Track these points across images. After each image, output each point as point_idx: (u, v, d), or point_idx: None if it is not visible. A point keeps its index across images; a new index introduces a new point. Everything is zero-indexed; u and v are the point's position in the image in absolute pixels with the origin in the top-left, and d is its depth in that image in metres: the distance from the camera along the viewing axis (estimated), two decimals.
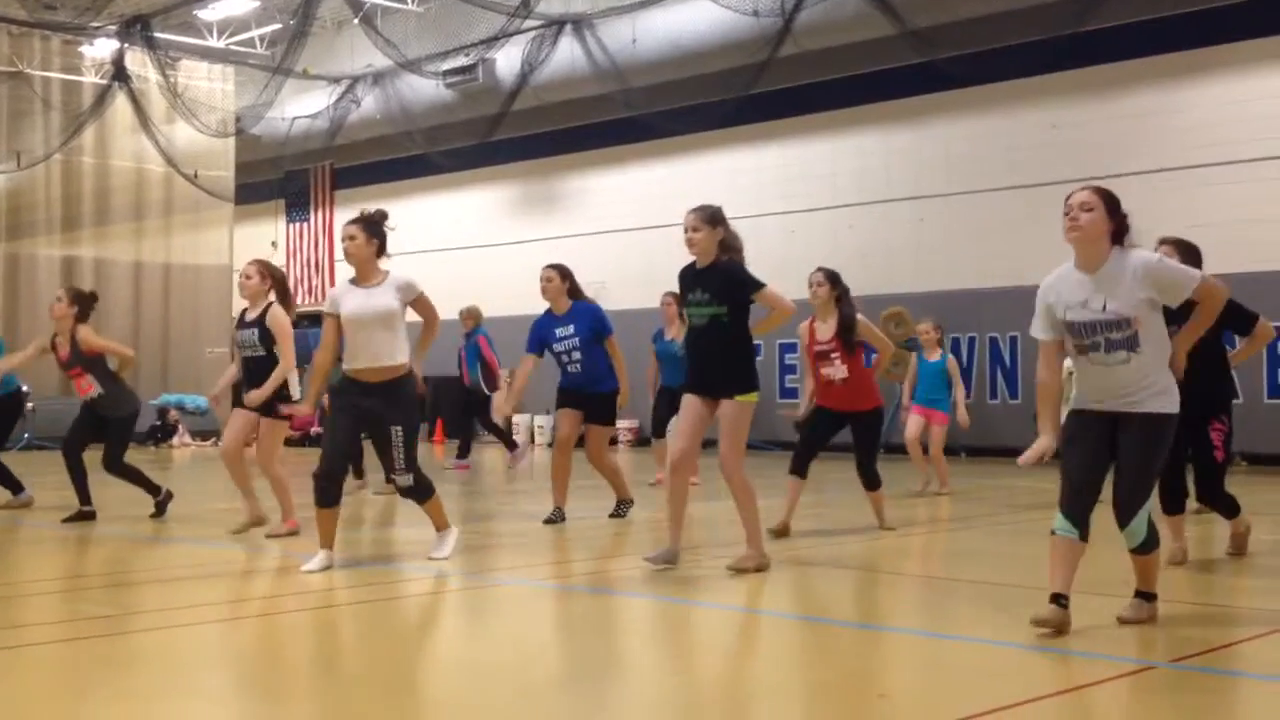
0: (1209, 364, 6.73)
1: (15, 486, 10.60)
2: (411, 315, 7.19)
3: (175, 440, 21.39)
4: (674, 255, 7.44)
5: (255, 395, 8.29)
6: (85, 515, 9.57)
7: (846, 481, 8.90)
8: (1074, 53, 15.75)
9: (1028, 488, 12.09)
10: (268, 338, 8.45)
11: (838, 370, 8.58)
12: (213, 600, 6.43)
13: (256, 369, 8.47)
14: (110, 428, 9.71)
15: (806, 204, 19.33)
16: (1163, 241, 6.79)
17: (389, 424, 7.10)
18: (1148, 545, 5.33)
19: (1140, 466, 5.23)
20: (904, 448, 11.97)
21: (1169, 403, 5.23)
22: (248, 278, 8.63)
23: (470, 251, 23.57)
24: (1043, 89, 16.94)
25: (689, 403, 7.01)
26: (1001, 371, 17.20)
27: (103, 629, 5.72)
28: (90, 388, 9.56)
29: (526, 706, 4.31)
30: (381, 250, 7.25)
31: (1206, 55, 15.96)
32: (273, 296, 8.62)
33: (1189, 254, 6.67)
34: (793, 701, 4.44)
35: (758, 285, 6.86)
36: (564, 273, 9.42)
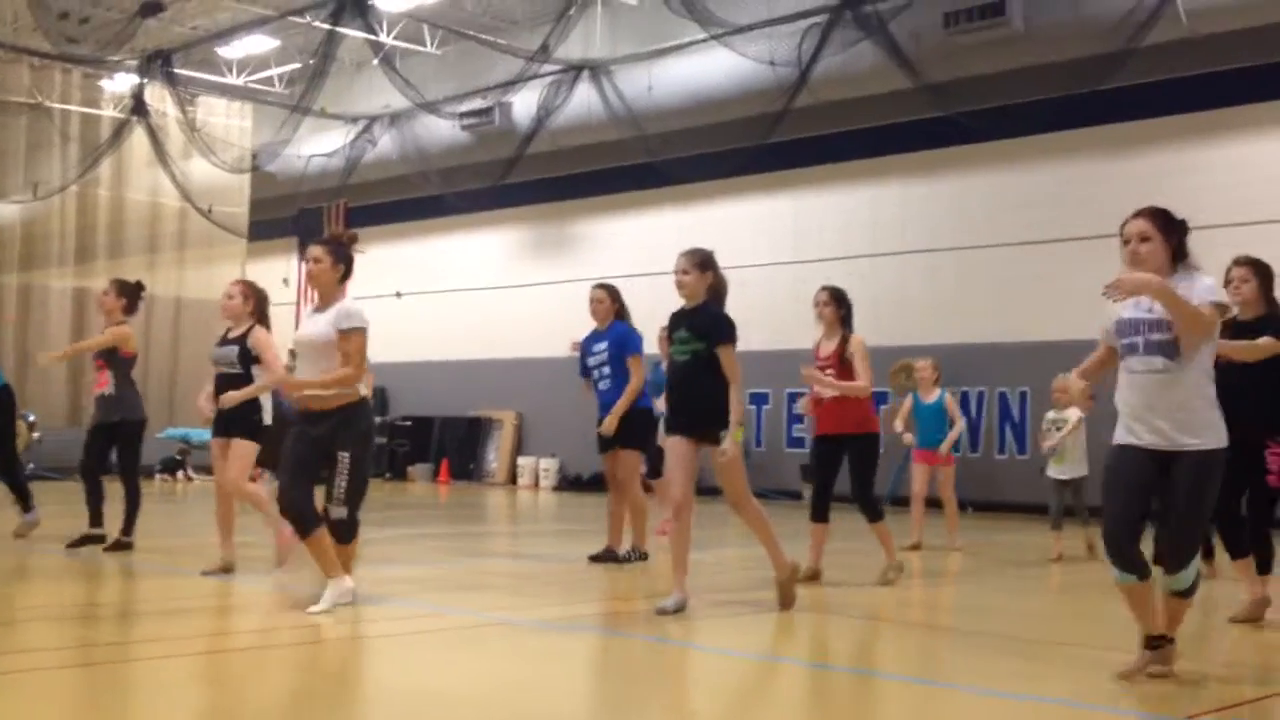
0: (1270, 382, 6.59)
1: (27, 504, 10.30)
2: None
3: (179, 474, 21.32)
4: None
5: (233, 396, 8.08)
6: (94, 539, 9.48)
7: (859, 532, 8.82)
8: (1090, 111, 15.79)
9: (1035, 544, 11.98)
10: (247, 357, 8.34)
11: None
12: (212, 632, 6.36)
13: (232, 387, 8.27)
14: (119, 433, 9.56)
15: (819, 253, 19.28)
16: (1237, 262, 6.85)
17: (337, 448, 6.77)
18: (1193, 590, 5.21)
19: (1189, 511, 5.06)
20: (909, 501, 11.59)
21: (1217, 437, 5.06)
22: (230, 298, 8.45)
23: (482, 293, 23.59)
24: (1059, 145, 16.94)
25: (678, 446, 7.09)
26: (1010, 427, 17.11)
27: (97, 657, 5.65)
28: (106, 384, 9.50)
29: None
30: (347, 276, 7.00)
31: (1221, 117, 15.96)
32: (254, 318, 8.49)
33: (1265, 275, 6.85)
34: None
35: (720, 340, 6.98)
36: (613, 294, 9.67)
